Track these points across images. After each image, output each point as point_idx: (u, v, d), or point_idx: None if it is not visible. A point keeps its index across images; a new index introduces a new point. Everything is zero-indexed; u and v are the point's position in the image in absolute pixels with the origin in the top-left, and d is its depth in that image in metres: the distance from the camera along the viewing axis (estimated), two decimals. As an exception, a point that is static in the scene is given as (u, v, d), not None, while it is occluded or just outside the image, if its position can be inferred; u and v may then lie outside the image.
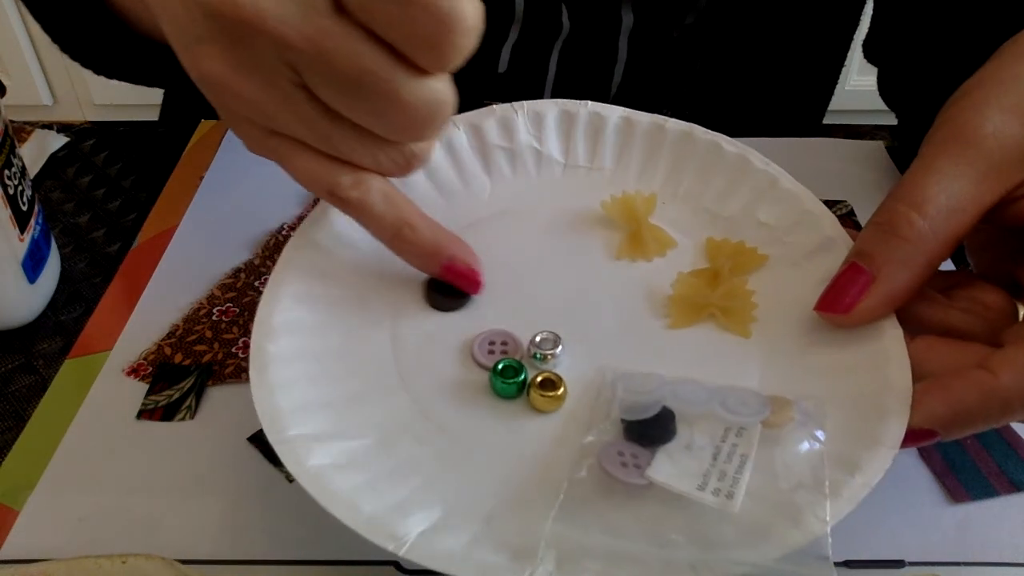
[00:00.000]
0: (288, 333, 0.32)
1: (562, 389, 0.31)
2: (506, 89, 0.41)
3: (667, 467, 0.28)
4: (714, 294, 0.35)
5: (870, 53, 0.58)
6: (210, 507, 0.34)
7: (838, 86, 0.64)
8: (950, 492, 0.35)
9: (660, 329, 0.34)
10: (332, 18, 0.25)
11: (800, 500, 0.27)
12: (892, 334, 0.31)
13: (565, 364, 0.33)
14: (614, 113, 0.40)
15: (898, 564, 0.32)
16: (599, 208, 0.38)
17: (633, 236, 0.37)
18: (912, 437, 0.28)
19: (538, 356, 0.32)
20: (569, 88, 0.57)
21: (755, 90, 0.59)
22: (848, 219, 0.49)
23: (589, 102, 0.40)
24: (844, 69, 0.63)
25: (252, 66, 0.27)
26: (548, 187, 0.39)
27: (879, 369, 0.30)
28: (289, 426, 0.29)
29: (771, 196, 0.37)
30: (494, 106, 0.39)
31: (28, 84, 1.71)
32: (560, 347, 0.32)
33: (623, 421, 0.29)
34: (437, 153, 0.39)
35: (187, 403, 0.38)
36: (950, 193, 0.29)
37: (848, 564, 0.32)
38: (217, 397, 0.39)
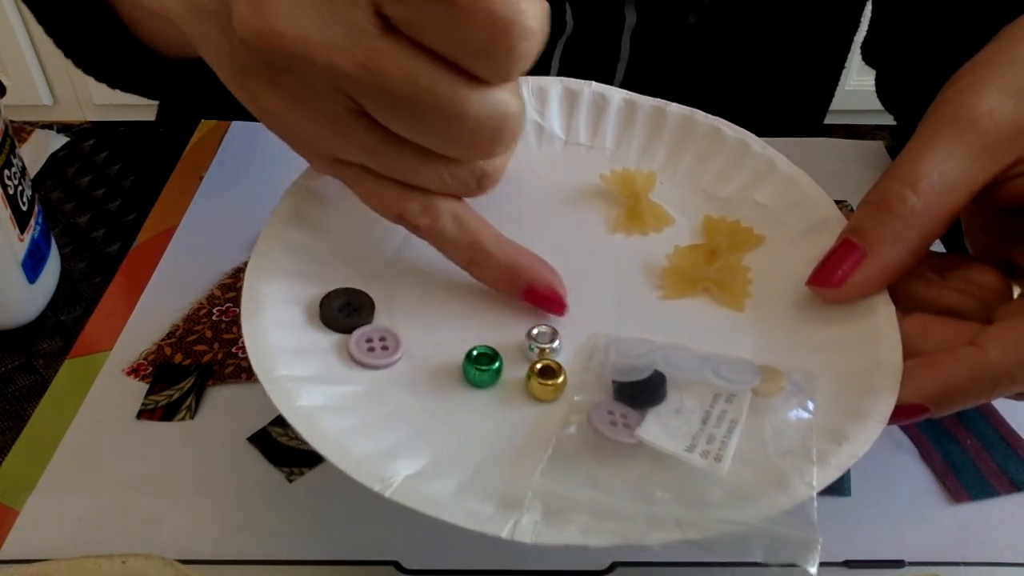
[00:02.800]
0: (281, 277, 0.32)
1: (562, 378, 0.31)
2: None
3: (656, 428, 0.28)
4: (710, 268, 0.35)
5: (868, 55, 0.58)
6: (210, 507, 0.34)
7: (838, 86, 0.64)
8: (950, 492, 0.35)
9: (654, 300, 0.34)
10: (382, 38, 0.24)
11: (788, 466, 0.27)
12: (885, 311, 0.31)
13: (558, 333, 0.32)
14: (617, 95, 0.40)
15: (898, 564, 0.32)
16: (597, 183, 0.38)
17: (631, 210, 0.37)
18: (902, 412, 0.28)
19: (532, 348, 0.32)
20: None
21: (756, 90, 0.59)
22: (848, 219, 0.49)
23: (593, 82, 0.40)
24: (844, 70, 0.63)
25: (304, 97, 0.26)
26: (548, 161, 0.39)
27: (871, 345, 0.30)
28: (279, 366, 0.29)
29: (769, 179, 0.37)
30: None
31: (28, 84, 1.71)
32: (557, 341, 0.32)
33: (614, 382, 0.29)
34: None
35: (187, 403, 0.38)
36: (944, 171, 0.29)
37: (848, 564, 0.32)
38: (217, 397, 0.39)
